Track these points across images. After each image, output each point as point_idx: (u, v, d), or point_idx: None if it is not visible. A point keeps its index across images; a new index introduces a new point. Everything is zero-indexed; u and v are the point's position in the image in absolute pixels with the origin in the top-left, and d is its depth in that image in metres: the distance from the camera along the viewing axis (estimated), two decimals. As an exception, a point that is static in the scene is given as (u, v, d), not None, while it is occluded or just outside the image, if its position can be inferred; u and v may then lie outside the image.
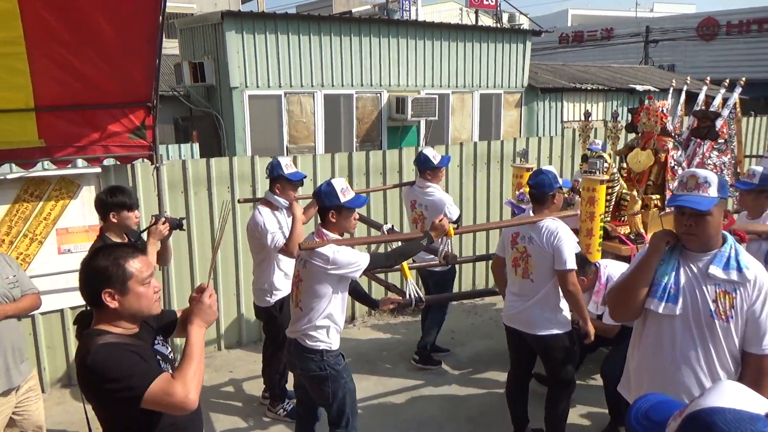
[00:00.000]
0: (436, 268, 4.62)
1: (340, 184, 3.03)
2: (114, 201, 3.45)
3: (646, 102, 4.51)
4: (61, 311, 4.66)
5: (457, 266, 5.96)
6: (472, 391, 4.72)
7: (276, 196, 4.14)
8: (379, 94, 10.96)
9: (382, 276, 3.59)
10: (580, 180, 4.15)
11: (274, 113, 10.00)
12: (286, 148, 10.12)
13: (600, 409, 4.20)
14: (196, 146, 9.21)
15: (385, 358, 5.27)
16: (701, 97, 5.30)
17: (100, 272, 1.90)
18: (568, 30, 27.89)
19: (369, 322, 6.08)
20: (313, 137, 10.45)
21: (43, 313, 4.56)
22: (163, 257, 3.68)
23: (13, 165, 4.26)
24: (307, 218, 4.54)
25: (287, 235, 4.03)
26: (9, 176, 4.28)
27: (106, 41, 3.47)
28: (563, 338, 3.50)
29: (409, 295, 3.36)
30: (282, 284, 4.17)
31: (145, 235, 3.64)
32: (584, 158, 4.53)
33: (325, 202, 3.02)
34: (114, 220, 3.46)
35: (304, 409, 3.41)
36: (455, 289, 6.46)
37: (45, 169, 4.49)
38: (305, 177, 4.21)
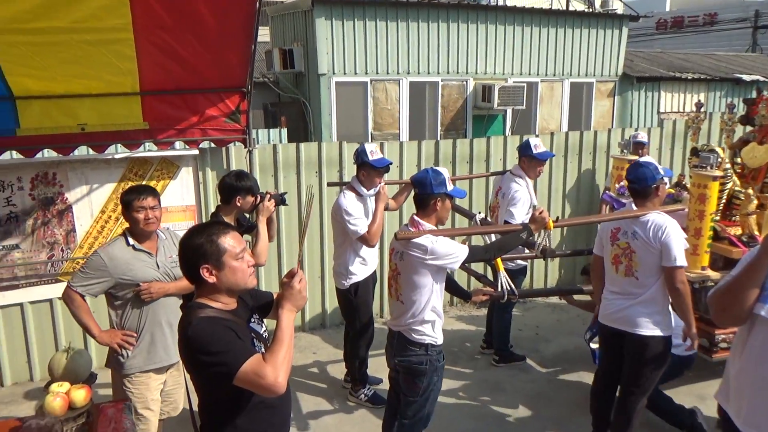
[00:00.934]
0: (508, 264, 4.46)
1: (446, 172, 2.99)
2: (242, 185, 3.56)
3: (766, 93, 4.12)
4: (159, 286, 4.88)
5: (543, 261, 5.79)
6: (558, 389, 4.56)
7: (360, 183, 4.15)
8: (465, 82, 10.76)
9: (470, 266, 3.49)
10: (690, 175, 3.86)
11: (359, 100, 10.05)
12: (371, 134, 10.15)
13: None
14: (284, 131, 9.41)
15: (467, 350, 5.18)
16: None
17: (197, 249, 1.99)
18: (667, 15, 26.24)
19: (451, 312, 6.01)
20: (398, 124, 10.43)
21: (142, 287, 4.81)
22: (270, 233, 3.76)
23: (120, 146, 4.48)
24: (397, 205, 4.53)
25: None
26: (117, 156, 4.52)
27: (207, 28, 3.58)
28: (663, 342, 3.29)
29: (502, 287, 3.26)
30: (358, 269, 4.17)
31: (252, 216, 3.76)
32: (694, 152, 4.21)
33: (434, 189, 2.95)
34: (238, 204, 3.57)
35: (396, 400, 3.33)
36: (536, 284, 6.27)
37: (148, 150, 4.71)
38: (390, 164, 4.16)
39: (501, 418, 4.17)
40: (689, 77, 12.48)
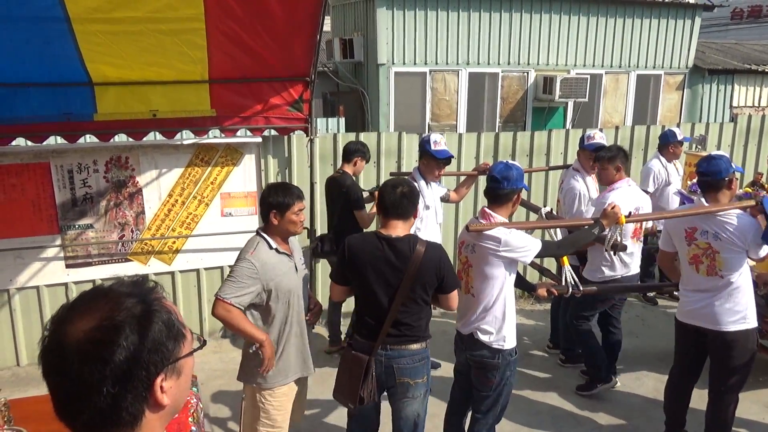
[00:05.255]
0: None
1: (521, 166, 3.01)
2: (359, 148, 4.58)
3: None
4: (221, 268, 5.06)
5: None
6: (614, 390, 4.45)
7: (420, 173, 4.16)
8: (525, 74, 10.57)
9: (537, 260, 3.45)
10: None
11: (418, 90, 10.04)
12: (428, 125, 10.13)
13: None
14: (342, 120, 9.52)
15: (525, 345, 5.12)
16: None
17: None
18: (743, 4, 24.89)
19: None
20: (455, 116, 10.35)
21: (206, 269, 5.00)
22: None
23: (188, 132, 4.64)
24: (459, 197, 4.54)
25: (431, 206, 4.16)
26: (185, 142, 4.69)
27: (275, 18, 3.66)
28: (752, 335, 3.23)
29: (566, 281, 3.21)
30: None
31: None
32: (775, 149, 4.02)
33: (518, 185, 2.95)
34: (355, 164, 4.55)
35: (462, 396, 3.34)
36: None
37: (213, 137, 4.86)
38: (451, 156, 4.15)
39: (554, 416, 4.11)
40: (766, 70, 11.83)
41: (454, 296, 2.81)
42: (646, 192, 5.61)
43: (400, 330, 2.76)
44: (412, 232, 4.03)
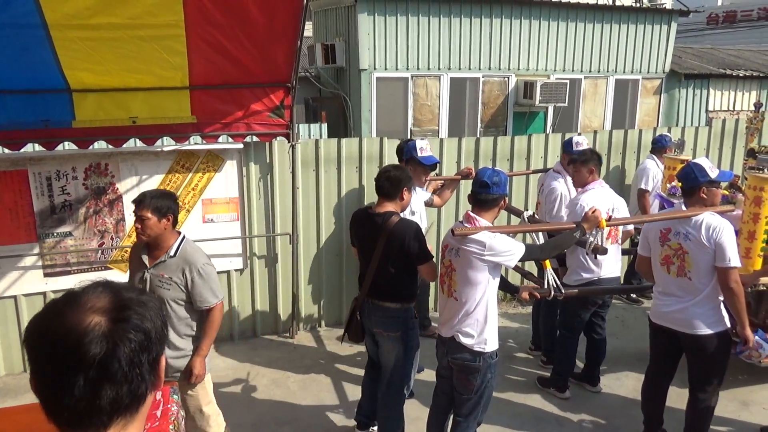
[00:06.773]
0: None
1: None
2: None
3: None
4: (202, 276, 5.01)
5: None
6: (593, 392, 4.50)
7: None
8: (506, 79, 10.66)
9: (519, 264, 3.50)
10: (745, 177, 3.76)
11: (400, 95, 10.07)
12: (410, 130, 10.17)
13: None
14: (325, 126, 9.52)
15: (508, 348, 5.15)
16: None
17: (404, 177, 3.37)
18: (719, 9, 25.37)
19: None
20: (437, 120, 10.41)
21: (187, 276, 4.95)
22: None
23: (168, 138, 4.61)
24: (443, 201, 4.57)
25: (416, 212, 4.14)
26: (165, 148, 4.66)
27: (255, 24, 3.67)
28: (725, 337, 3.28)
29: (548, 284, 3.24)
30: None
31: None
32: (750, 153, 4.10)
33: (505, 190, 3.01)
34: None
35: (445, 399, 3.35)
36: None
37: (194, 143, 4.84)
38: (438, 162, 4.19)
39: (537, 417, 4.14)
40: (741, 74, 12.08)
41: (426, 269, 3.23)
42: (645, 190, 5.78)
43: (377, 289, 3.32)
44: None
